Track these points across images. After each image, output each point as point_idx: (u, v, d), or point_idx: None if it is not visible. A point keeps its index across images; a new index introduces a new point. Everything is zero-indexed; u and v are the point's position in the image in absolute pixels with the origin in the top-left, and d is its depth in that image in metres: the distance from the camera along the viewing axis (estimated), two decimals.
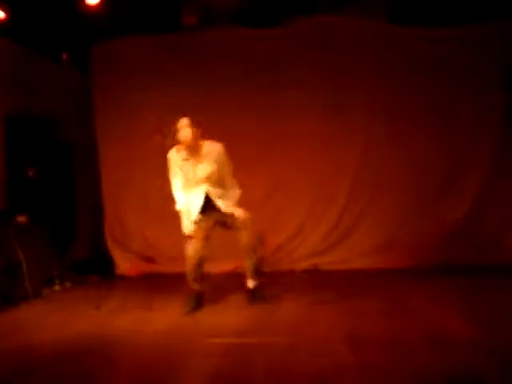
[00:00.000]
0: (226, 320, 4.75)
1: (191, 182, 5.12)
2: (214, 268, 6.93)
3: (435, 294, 5.17)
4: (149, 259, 7.35)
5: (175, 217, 7.19)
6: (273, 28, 7.08)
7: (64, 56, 7.41)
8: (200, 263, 5.12)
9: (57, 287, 6.49)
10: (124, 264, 7.34)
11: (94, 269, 7.18)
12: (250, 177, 6.92)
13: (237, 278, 6.64)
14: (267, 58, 7.06)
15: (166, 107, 7.15)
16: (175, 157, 5.15)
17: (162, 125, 7.11)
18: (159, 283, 6.73)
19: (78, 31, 7.12)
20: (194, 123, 5.01)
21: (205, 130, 6.84)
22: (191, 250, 5.08)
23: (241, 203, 7.04)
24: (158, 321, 4.80)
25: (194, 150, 5.05)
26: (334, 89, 6.92)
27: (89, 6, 6.75)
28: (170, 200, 7.16)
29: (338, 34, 6.96)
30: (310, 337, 4.10)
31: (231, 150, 6.99)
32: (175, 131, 5.01)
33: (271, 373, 3.41)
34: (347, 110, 6.93)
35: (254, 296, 5.18)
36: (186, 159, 5.09)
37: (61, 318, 5.07)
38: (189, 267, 5.10)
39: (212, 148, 5.12)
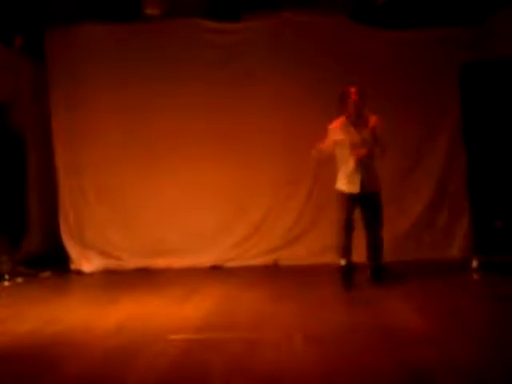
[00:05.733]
0: (185, 315, 4.61)
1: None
2: (175, 263, 6.84)
3: (391, 291, 5.21)
4: (108, 254, 7.05)
5: (137, 207, 7.04)
6: (235, 22, 6.98)
7: (17, 40, 7.07)
8: None
9: (6, 283, 6.21)
10: (79, 258, 7.03)
11: (48, 263, 6.86)
12: (210, 174, 6.91)
13: (197, 272, 6.56)
14: (227, 51, 6.95)
15: (123, 95, 6.97)
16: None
17: (118, 113, 7.07)
18: (118, 279, 6.50)
19: (33, 15, 6.83)
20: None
21: (159, 121, 6.83)
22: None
23: (202, 198, 6.97)
24: (113, 317, 4.62)
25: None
26: (295, 86, 6.81)
27: None
28: (133, 188, 7.00)
29: (297, 32, 6.87)
30: (268, 334, 4.01)
31: (190, 146, 6.93)
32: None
33: (227, 372, 3.30)
34: (306, 108, 6.82)
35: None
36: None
37: (6, 315, 4.84)
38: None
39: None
